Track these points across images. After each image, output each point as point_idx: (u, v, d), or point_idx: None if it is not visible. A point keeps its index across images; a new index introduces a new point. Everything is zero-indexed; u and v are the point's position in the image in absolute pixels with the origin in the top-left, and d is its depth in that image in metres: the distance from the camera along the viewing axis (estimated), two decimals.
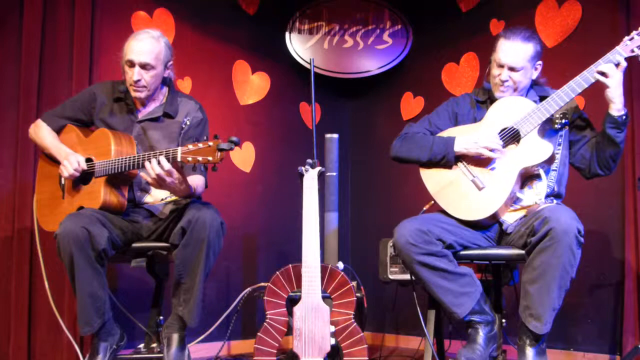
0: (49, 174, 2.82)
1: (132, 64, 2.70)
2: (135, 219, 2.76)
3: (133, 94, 2.76)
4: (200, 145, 2.37)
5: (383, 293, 4.12)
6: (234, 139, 2.36)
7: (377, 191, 4.47)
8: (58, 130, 2.83)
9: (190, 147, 2.39)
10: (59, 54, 3.30)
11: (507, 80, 2.61)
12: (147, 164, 2.47)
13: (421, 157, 2.68)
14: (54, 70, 3.28)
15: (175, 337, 2.59)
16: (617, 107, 2.47)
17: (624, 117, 2.49)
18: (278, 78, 4.30)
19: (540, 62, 2.65)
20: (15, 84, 3.20)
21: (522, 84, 2.63)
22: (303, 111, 4.43)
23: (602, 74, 2.44)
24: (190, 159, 2.38)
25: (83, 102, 2.85)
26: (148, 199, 2.80)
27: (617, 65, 2.44)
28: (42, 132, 2.82)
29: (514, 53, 2.57)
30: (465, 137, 2.62)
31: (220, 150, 2.34)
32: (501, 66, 2.60)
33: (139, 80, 2.71)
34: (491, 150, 2.56)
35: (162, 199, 2.79)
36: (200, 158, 2.36)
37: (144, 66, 2.71)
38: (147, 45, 2.71)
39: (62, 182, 2.76)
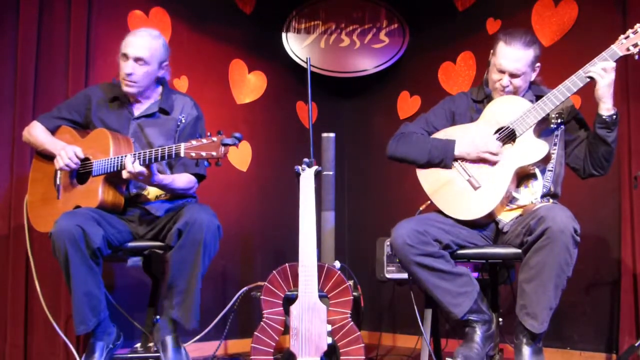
0: (43, 174, 2.82)
1: (126, 57, 2.72)
2: (131, 217, 2.76)
3: (124, 88, 2.77)
4: (204, 141, 2.41)
5: (380, 292, 4.12)
6: (237, 134, 2.41)
7: (374, 190, 4.47)
8: (53, 131, 2.83)
9: (194, 142, 2.42)
10: (55, 53, 3.29)
11: (508, 86, 2.61)
12: (127, 159, 2.51)
13: (419, 160, 2.67)
14: (50, 70, 3.27)
15: (169, 340, 2.58)
16: (606, 106, 2.47)
17: (614, 116, 2.48)
18: (275, 77, 4.29)
19: (538, 63, 2.65)
20: (11, 83, 3.19)
21: (522, 88, 2.64)
22: (300, 110, 4.42)
23: (593, 73, 2.44)
24: (193, 154, 2.41)
25: (78, 103, 2.87)
26: (144, 197, 2.79)
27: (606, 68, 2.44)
28: (36, 131, 2.81)
29: (515, 60, 2.56)
30: (465, 141, 2.61)
31: (225, 145, 2.39)
32: (502, 72, 2.60)
33: (130, 74, 2.72)
34: (492, 154, 2.56)
35: (157, 197, 2.79)
36: (204, 153, 2.40)
37: (137, 60, 2.72)
38: (143, 41, 2.74)
39: (57, 182, 2.75)
